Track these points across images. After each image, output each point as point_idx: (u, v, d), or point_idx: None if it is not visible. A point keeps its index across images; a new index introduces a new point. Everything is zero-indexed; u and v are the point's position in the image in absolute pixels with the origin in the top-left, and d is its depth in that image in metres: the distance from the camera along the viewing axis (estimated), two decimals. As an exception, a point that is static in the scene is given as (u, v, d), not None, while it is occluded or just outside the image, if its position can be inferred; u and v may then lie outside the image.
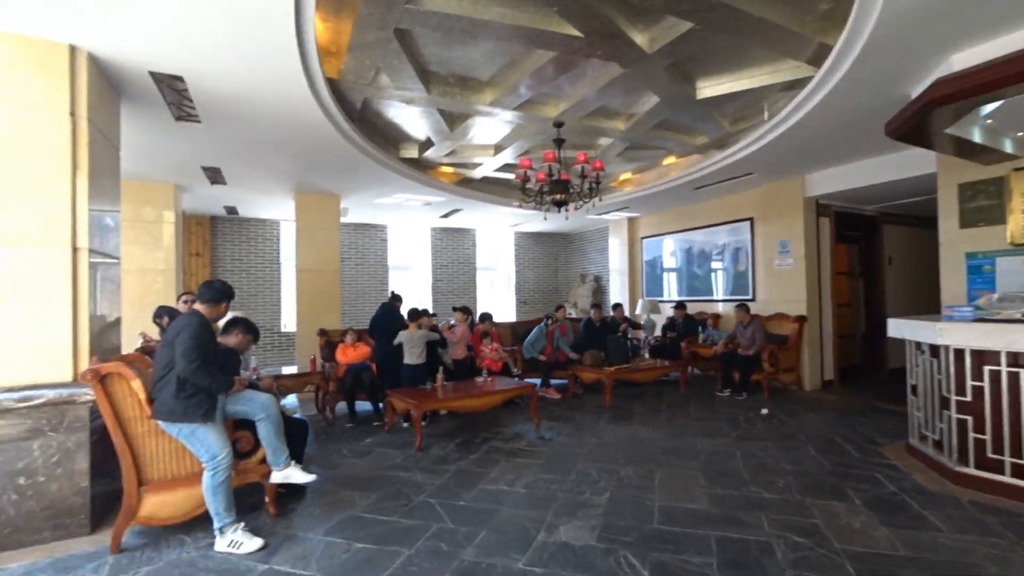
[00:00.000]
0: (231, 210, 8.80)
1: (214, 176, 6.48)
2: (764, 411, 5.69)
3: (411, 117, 5.30)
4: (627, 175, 8.05)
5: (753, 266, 7.94)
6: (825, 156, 6.15)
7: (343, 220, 8.35)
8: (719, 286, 8.81)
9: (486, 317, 6.82)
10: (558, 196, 5.18)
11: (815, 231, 7.18)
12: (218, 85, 3.75)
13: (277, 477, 3.11)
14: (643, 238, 10.31)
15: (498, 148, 6.30)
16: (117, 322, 3.85)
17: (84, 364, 3.14)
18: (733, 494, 3.42)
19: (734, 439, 4.69)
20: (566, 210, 5.51)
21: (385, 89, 4.41)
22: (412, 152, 6.24)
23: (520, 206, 5.50)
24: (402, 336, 5.48)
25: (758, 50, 4.08)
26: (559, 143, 5.22)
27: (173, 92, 3.80)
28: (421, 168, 6.66)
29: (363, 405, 5.80)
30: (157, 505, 2.88)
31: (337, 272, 7.66)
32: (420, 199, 8.00)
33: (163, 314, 5.35)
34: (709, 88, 4.78)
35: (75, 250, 3.12)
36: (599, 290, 11.34)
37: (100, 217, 3.42)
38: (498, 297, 12.18)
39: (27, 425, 2.90)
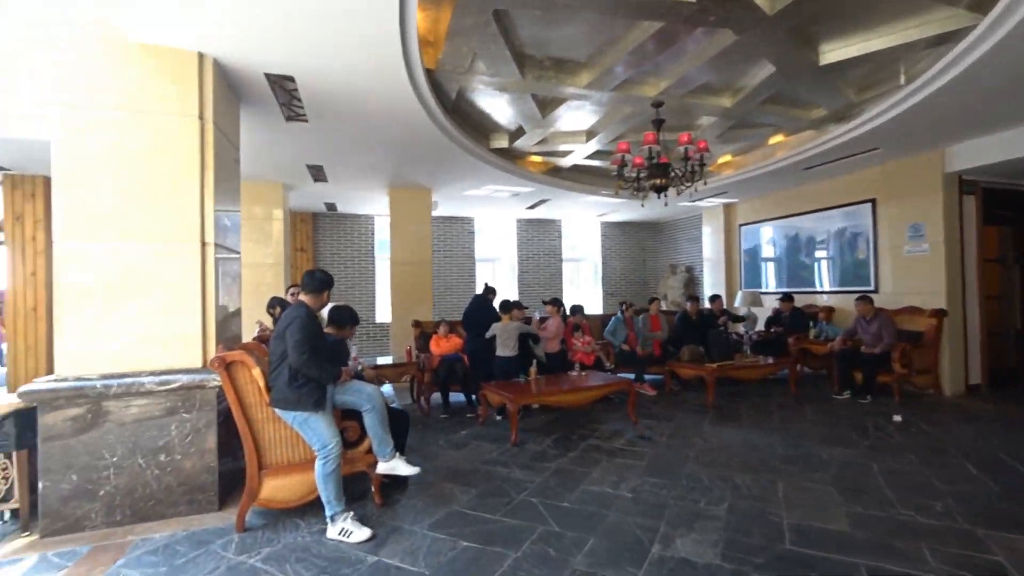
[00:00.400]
0: (331, 207, 9.23)
1: (317, 174, 6.76)
2: (897, 418, 4.96)
3: (503, 105, 5.15)
4: (726, 158, 7.40)
5: (875, 253, 6.99)
6: (974, 123, 5.21)
7: (433, 213, 8.45)
8: (828, 276, 7.89)
9: (577, 309, 6.57)
10: (658, 181, 4.79)
11: (956, 212, 6.16)
12: (325, 83, 3.81)
13: (383, 468, 3.10)
14: (741, 225, 9.52)
15: (590, 134, 6.00)
16: (237, 312, 4.06)
17: (211, 351, 3.32)
18: (878, 516, 2.93)
19: (866, 449, 4.10)
20: (665, 196, 5.11)
21: (480, 76, 4.27)
22: (502, 142, 6.10)
23: (617, 193, 5.16)
24: (495, 328, 5.39)
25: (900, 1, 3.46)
26: (658, 124, 4.82)
27: (284, 93, 3.91)
28: (510, 158, 6.51)
29: (456, 396, 5.80)
30: (275, 488, 2.97)
31: (429, 264, 7.76)
32: (508, 190, 7.89)
33: (275, 304, 5.65)
34: (835, 52, 4.16)
35: (203, 245, 3.29)
36: (691, 281, 10.65)
37: (223, 215, 3.60)
38: (585, 289, 11.86)
39: (166, 407, 3.10)
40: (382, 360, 6.48)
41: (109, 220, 3.10)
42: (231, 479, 3.35)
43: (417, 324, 6.42)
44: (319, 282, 3.10)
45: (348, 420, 3.13)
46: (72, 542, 2.80)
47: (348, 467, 3.08)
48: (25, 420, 2.93)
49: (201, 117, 3.30)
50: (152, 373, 3.11)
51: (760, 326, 8.21)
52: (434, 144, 5.33)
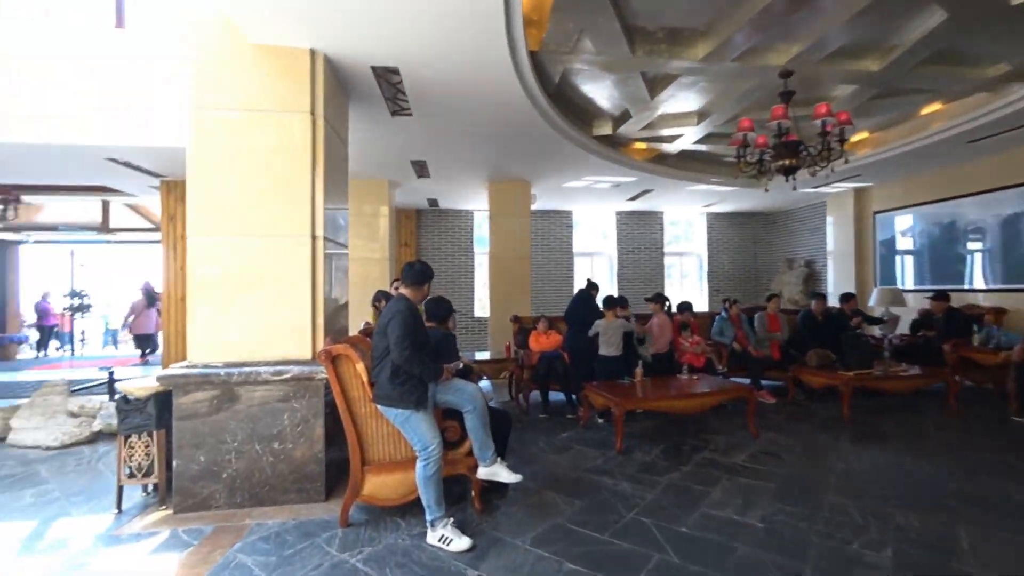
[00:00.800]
0: (433, 202, 9.37)
1: (420, 170, 6.80)
2: (1115, 452, 3.83)
3: (608, 88, 4.73)
4: (861, 135, 6.33)
5: (1071, 244, 5.57)
6: None
7: (531, 207, 8.21)
8: (987, 271, 6.47)
9: (685, 307, 5.96)
10: (787, 162, 4.09)
11: None
12: (428, 73, 3.67)
13: (483, 473, 2.88)
14: (876, 213, 8.18)
15: (702, 115, 5.37)
16: (345, 306, 4.09)
17: (320, 344, 3.32)
18: (1124, 590, 2.16)
19: (1077, 492, 3.16)
20: (794, 179, 4.37)
21: (585, 56, 3.90)
22: (605, 128, 5.67)
23: (737, 177, 4.53)
24: (599, 326, 5.00)
25: None
26: (787, 96, 4.11)
27: (389, 86, 3.84)
28: (613, 145, 6.05)
29: (555, 395, 5.50)
30: (377, 486, 2.87)
31: (528, 259, 7.55)
32: (609, 180, 7.42)
33: (380, 298, 5.73)
34: (1040, -14, 3.23)
35: (314, 239, 3.30)
36: (811, 277, 9.41)
37: (333, 210, 3.60)
38: (688, 285, 11.01)
39: (279, 396, 3.14)
40: (480, 355, 6.37)
41: (230, 215, 3.20)
42: (335, 470, 3.34)
43: (516, 320, 6.21)
44: (418, 274, 2.94)
45: (449, 420, 2.95)
46: (199, 520, 2.91)
47: (448, 469, 2.90)
48: (163, 402, 3.11)
49: (312, 113, 3.29)
50: (267, 363, 3.16)
51: (902, 328, 6.97)
52: (535, 133, 5.05)
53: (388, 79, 3.73)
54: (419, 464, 2.68)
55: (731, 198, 8.96)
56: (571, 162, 6.29)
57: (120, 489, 3.07)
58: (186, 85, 3.21)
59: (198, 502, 3.03)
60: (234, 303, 3.19)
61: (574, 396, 5.21)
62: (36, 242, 11.29)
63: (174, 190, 6.60)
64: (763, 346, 6.09)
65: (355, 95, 4.05)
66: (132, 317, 9.90)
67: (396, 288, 6.11)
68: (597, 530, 2.74)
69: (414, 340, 2.71)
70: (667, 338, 5.51)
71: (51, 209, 9.53)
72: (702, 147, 6.40)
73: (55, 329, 11.79)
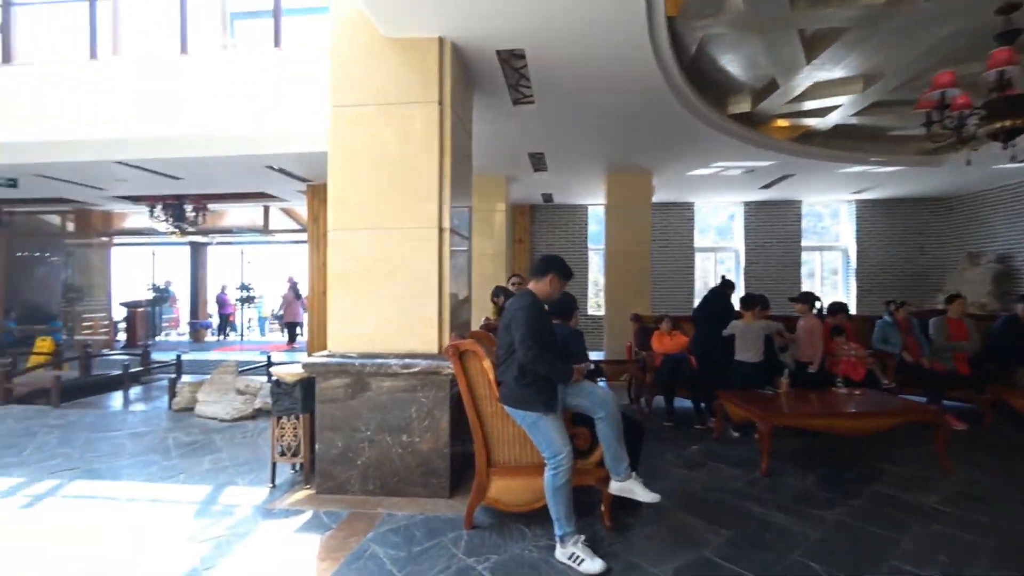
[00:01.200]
0: (547, 197, 9.15)
1: (538, 163, 6.61)
2: None
3: (754, 55, 4.09)
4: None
5: None
6: None
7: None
8: None
9: (839, 308, 5.03)
10: (1007, 123, 3.14)
11: None
12: (553, 53, 3.40)
13: (616, 488, 2.56)
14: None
15: (869, 79, 4.42)
16: (468, 300, 4.01)
17: (446, 338, 3.24)
18: None
19: None
20: (1012, 146, 3.36)
21: (731, 15, 3.35)
22: (743, 105, 4.96)
23: (931, 148, 3.63)
24: (735, 327, 4.39)
25: None
26: (1010, 38, 3.12)
27: (513, 72, 3.65)
28: (751, 125, 5.30)
29: (680, 401, 4.96)
30: (502, 489, 2.70)
31: (647, 254, 7.00)
32: (743, 165, 6.58)
33: (499, 293, 5.63)
34: None
35: (440, 231, 3.22)
36: (1005, 275, 7.55)
37: (459, 205, 3.51)
38: (832, 284, 9.55)
39: (407, 389, 3.11)
40: (596, 355, 6.02)
41: (365, 209, 3.23)
42: (458, 464, 3.24)
43: (636, 318, 5.75)
44: (544, 262, 2.67)
45: (578, 426, 2.68)
46: (337, 503, 2.99)
47: (577, 479, 2.62)
48: (308, 387, 3.25)
49: (440, 103, 3.21)
50: (397, 355, 3.15)
51: None
52: (664, 115, 4.55)
53: (512, 64, 3.54)
54: (548, 472, 2.45)
55: (892, 181, 7.50)
56: (700, 146, 5.65)
57: (274, 466, 3.28)
58: (327, 86, 3.32)
59: (336, 485, 3.11)
60: (367, 295, 3.23)
61: (704, 404, 4.65)
62: (217, 243, 13.20)
63: (318, 193, 7.15)
64: (944, 358, 4.94)
65: (479, 85, 3.93)
66: (283, 307, 11.28)
67: (514, 284, 6.03)
68: (752, 568, 2.28)
69: (540, 338, 2.48)
70: (817, 344, 4.68)
71: (228, 215, 11.11)
72: (863, 120, 5.36)
73: (230, 317, 13.73)
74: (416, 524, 2.73)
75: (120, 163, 5.83)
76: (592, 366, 3.10)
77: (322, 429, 3.15)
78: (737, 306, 4.78)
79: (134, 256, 13.03)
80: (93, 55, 6.00)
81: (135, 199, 8.48)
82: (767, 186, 7.81)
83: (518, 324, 2.49)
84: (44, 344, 7.28)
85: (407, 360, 3.10)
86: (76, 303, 10.18)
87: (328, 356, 3.20)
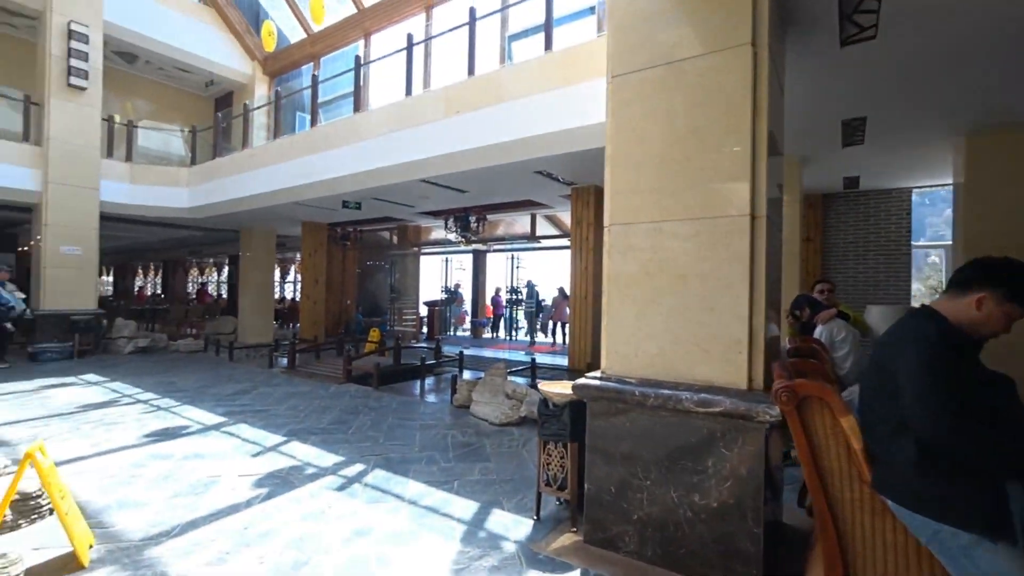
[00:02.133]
0: (850, 182, 6.88)
1: (852, 134, 4.82)
2: None
3: None
4: None
5: None
6: None
7: None
8: None
9: None
10: None
11: None
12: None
13: None
14: None
15: None
16: (777, 312, 2.86)
17: (758, 368, 2.25)
18: None
19: None
20: None
21: None
22: None
23: None
24: None
25: None
26: None
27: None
28: None
29: None
30: (890, 643, 1.57)
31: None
32: None
33: (803, 304, 4.20)
34: None
35: (753, 219, 2.24)
36: None
37: (772, 188, 2.46)
38: None
39: (703, 434, 2.25)
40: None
41: (647, 196, 2.51)
42: (776, 543, 2.18)
43: None
44: (978, 268, 1.52)
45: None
46: (608, 564, 2.35)
47: None
48: (578, 412, 2.72)
49: (754, 44, 2.24)
50: (689, 386, 2.31)
51: None
52: None
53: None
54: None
55: None
56: None
57: (539, 496, 2.86)
58: (603, 62, 2.73)
59: (607, 539, 2.48)
60: (652, 304, 2.49)
61: None
62: (493, 250, 14.77)
63: (582, 195, 6.88)
64: None
65: (796, 20, 2.78)
66: (553, 309, 12.43)
67: (821, 292, 4.46)
68: None
69: (954, 396, 1.32)
70: None
71: (502, 225, 12.34)
72: None
73: (502, 317, 15.19)
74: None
75: (423, 181, 6.70)
76: None
77: (592, 465, 2.56)
78: None
79: (432, 263, 15.72)
80: (408, 92, 7.12)
81: (435, 214, 10.00)
82: None
83: (910, 368, 1.39)
84: (375, 334, 9.09)
85: (703, 396, 2.23)
86: (396, 301, 12.76)
87: (602, 379, 2.59)
